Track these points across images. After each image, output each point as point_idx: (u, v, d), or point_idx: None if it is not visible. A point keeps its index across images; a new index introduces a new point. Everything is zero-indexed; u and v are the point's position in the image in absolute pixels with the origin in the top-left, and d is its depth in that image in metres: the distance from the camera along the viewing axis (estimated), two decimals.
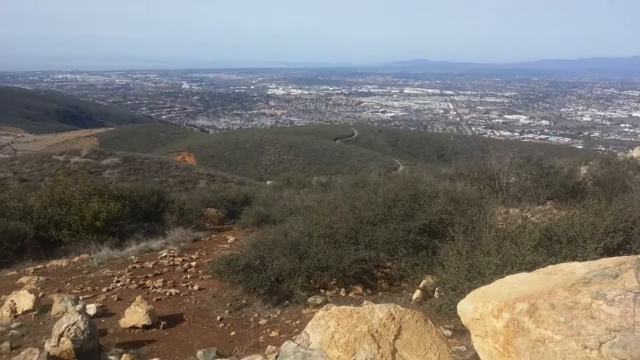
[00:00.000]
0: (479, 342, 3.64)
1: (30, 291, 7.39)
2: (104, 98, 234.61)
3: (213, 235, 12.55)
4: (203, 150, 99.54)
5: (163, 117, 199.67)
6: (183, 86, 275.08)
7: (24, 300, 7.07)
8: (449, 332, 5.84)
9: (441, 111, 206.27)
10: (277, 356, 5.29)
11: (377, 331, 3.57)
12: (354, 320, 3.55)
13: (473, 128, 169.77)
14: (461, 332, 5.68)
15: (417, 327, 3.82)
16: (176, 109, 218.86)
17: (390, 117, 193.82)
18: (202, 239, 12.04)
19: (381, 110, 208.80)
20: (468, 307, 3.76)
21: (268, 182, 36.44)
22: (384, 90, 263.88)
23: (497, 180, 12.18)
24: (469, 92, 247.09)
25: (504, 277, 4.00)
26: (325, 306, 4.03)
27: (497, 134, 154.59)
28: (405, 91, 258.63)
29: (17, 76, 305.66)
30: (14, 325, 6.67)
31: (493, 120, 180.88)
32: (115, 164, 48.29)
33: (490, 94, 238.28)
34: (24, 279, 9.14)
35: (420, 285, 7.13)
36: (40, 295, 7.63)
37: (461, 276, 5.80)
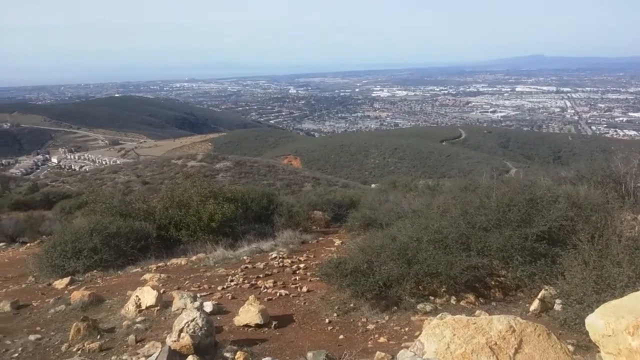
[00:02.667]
0: None
1: (153, 288, 7.89)
2: (217, 105, 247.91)
3: (320, 238, 12.71)
4: (309, 153, 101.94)
5: (271, 121, 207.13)
6: (290, 91, 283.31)
7: (147, 296, 7.56)
8: (571, 348, 5.44)
9: (557, 110, 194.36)
10: None
11: (495, 344, 3.38)
12: (470, 331, 3.39)
13: (593, 127, 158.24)
14: (585, 348, 5.26)
15: (539, 342, 3.58)
16: (283, 113, 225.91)
17: (501, 117, 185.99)
18: (310, 242, 12.23)
19: (491, 110, 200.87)
20: (598, 322, 3.46)
21: (373, 185, 36.40)
22: (494, 89, 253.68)
23: (624, 184, 11.19)
24: (588, 89, 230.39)
25: (638, 290, 3.65)
26: (440, 315, 3.89)
27: (621, 133, 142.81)
28: (517, 89, 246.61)
29: (140, 85, 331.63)
30: (138, 319, 7.15)
31: (616, 119, 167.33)
32: (228, 167, 50.80)
33: (613, 90, 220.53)
34: (147, 276, 9.81)
35: (539, 296, 6.69)
36: (161, 291, 8.13)
37: (588, 288, 5.36)
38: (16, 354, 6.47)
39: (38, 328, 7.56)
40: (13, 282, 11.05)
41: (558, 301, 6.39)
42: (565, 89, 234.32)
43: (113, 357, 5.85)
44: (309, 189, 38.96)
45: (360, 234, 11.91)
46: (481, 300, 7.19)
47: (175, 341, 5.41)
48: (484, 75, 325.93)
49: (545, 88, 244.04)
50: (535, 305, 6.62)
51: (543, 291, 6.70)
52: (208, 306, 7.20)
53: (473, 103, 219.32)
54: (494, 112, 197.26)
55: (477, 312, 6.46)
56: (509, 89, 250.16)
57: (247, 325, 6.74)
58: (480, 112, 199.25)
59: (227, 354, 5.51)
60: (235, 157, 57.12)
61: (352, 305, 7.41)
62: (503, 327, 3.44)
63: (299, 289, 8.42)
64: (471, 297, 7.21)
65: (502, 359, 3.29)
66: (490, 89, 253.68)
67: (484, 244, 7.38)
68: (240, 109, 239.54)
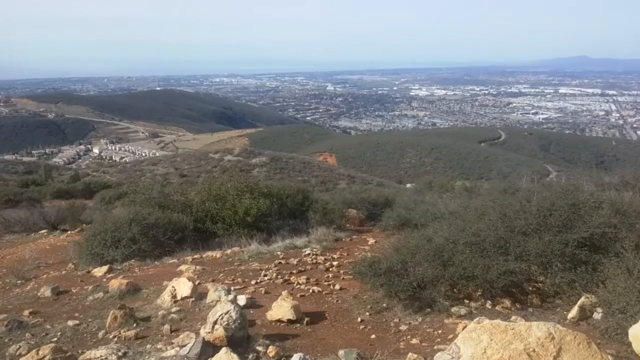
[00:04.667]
0: None
1: (189, 279, 8.01)
2: (255, 100, 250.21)
3: (354, 236, 12.66)
4: (344, 151, 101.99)
5: (308, 118, 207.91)
6: (327, 88, 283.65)
7: (183, 287, 7.68)
8: (610, 358, 5.27)
9: (602, 113, 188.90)
10: None
11: (533, 350, 3.30)
12: (508, 336, 3.32)
13: (639, 132, 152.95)
14: (626, 359, 5.10)
15: (579, 350, 3.47)
16: (320, 110, 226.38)
17: (543, 119, 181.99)
18: (343, 239, 12.19)
19: (532, 111, 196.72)
20: None
21: (408, 185, 36.18)
22: (537, 90, 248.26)
23: None
24: (635, 92, 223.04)
25: None
26: (477, 319, 3.82)
27: None
28: (560, 91, 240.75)
29: (180, 79, 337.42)
30: (173, 309, 7.27)
31: None
32: (263, 162, 51.28)
33: None
34: (183, 267, 9.95)
35: (578, 304, 6.51)
36: (197, 283, 8.23)
37: (631, 297, 5.18)
38: (55, 338, 6.66)
39: (76, 314, 7.78)
40: (53, 269, 11.39)
41: (598, 310, 6.20)
42: (611, 92, 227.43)
43: (148, 346, 5.96)
44: (343, 187, 38.94)
45: (395, 233, 11.82)
46: (517, 306, 7.04)
47: (209, 332, 5.48)
48: (526, 75, 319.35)
49: (589, 90, 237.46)
50: (573, 312, 6.44)
51: (583, 298, 6.51)
52: (242, 299, 7.26)
53: (514, 104, 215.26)
54: (535, 113, 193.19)
55: (513, 317, 6.33)
56: (551, 91, 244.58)
57: (279, 321, 6.77)
58: (521, 114, 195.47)
59: (260, 348, 5.55)
60: (271, 153, 57.55)
61: (384, 305, 7.36)
62: (542, 334, 3.35)
63: (331, 287, 8.40)
64: (507, 302, 7.07)
65: None
66: (533, 90, 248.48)
67: (522, 248, 7.21)
68: (277, 104, 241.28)
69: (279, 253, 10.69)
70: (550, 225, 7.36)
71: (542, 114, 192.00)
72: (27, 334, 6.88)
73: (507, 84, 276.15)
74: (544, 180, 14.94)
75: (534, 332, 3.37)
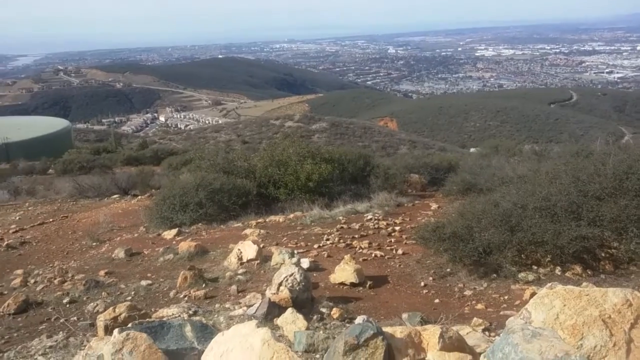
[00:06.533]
0: None
1: (254, 242, 8.20)
2: (315, 65, 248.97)
3: (416, 201, 12.51)
4: (405, 115, 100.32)
5: (368, 82, 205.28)
6: (389, 51, 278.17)
7: (248, 249, 7.88)
8: None
9: None
10: (484, 329, 5.09)
11: (609, 317, 3.15)
12: (582, 302, 3.18)
13: None
14: None
15: None
16: (381, 74, 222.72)
17: (618, 78, 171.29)
18: (405, 204, 12.07)
19: (607, 70, 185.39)
20: None
21: (472, 150, 35.21)
22: (612, 47, 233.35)
23: None
24: None
25: None
26: (550, 284, 3.68)
27: None
28: (639, 48, 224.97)
29: (242, 47, 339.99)
30: (240, 271, 7.49)
31: None
32: (323, 128, 51.31)
33: None
34: (247, 231, 10.20)
35: None
36: (261, 246, 8.42)
37: None
38: (129, 297, 7.04)
39: (149, 274, 8.17)
40: (126, 232, 11.98)
41: None
42: None
43: (217, 305, 6.18)
44: (404, 152, 38.48)
45: (459, 198, 11.60)
46: (589, 272, 6.77)
47: (274, 294, 5.60)
48: (601, 32, 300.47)
49: None
50: None
51: None
52: (305, 263, 7.36)
53: (587, 63, 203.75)
54: (610, 72, 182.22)
55: (584, 284, 6.10)
56: (629, 48, 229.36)
57: (342, 284, 6.83)
58: (594, 73, 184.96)
59: (323, 310, 5.63)
60: (331, 118, 57.45)
61: (448, 270, 7.27)
62: (619, 301, 3.19)
63: (394, 251, 8.37)
64: (578, 269, 6.81)
65: (617, 333, 3.07)
66: (608, 48, 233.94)
67: (596, 213, 6.89)
68: (337, 69, 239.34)
69: (340, 218, 10.73)
70: (626, 189, 6.98)
71: (617, 72, 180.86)
72: (103, 293, 7.31)
73: (580, 41, 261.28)
74: (619, 142, 14.15)
75: (610, 298, 3.21)
